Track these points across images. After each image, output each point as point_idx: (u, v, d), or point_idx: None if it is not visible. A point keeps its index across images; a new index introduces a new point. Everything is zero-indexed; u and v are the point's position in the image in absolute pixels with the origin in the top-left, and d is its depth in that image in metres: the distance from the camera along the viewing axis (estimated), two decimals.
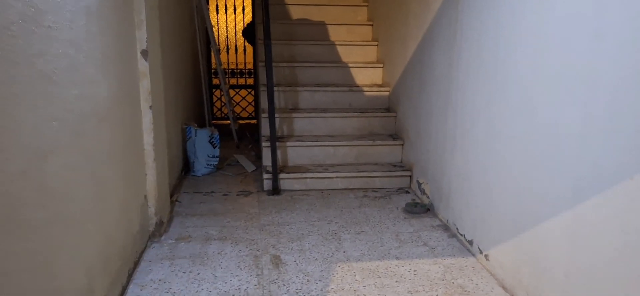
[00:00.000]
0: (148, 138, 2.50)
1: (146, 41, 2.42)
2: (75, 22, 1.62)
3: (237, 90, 6.02)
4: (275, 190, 3.32)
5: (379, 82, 4.25)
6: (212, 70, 5.71)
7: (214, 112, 5.90)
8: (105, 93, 1.88)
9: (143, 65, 2.43)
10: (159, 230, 2.61)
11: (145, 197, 2.51)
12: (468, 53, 2.48)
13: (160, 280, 2.17)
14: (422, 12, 3.16)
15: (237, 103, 5.99)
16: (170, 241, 2.57)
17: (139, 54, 2.42)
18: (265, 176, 3.37)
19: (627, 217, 1.43)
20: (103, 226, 1.85)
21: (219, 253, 2.43)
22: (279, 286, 2.11)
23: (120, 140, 2.10)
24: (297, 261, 2.35)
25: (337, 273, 2.23)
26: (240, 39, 6.04)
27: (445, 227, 2.77)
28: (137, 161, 2.40)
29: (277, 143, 3.54)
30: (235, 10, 5.93)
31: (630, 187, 1.41)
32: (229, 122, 4.89)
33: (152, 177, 2.54)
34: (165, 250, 2.46)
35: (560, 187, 1.74)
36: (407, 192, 3.38)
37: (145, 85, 2.45)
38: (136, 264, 2.30)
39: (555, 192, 1.78)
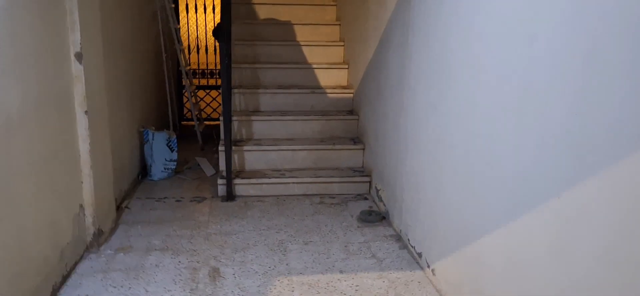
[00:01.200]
0: (84, 145, 2.39)
1: (80, 43, 2.30)
2: None
3: (207, 90, 5.89)
4: (229, 196, 3.22)
5: (344, 83, 4.16)
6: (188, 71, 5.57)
7: (184, 113, 5.77)
8: (18, 100, 1.77)
9: (77, 69, 2.31)
10: (98, 240, 2.49)
11: (81, 206, 2.40)
12: (418, 56, 2.39)
13: None
14: (379, 12, 3.07)
15: (208, 104, 5.87)
16: (109, 252, 2.46)
17: (72, 57, 2.30)
18: (220, 181, 3.27)
19: (556, 238, 1.35)
20: (11, 242, 1.73)
21: (156, 266, 2.32)
22: None
23: (42, 149, 1.98)
24: (236, 275, 2.25)
25: (275, 288, 2.13)
26: (211, 39, 5.91)
27: (398, 237, 2.68)
28: (70, 169, 2.28)
29: (234, 147, 3.44)
30: (205, 9, 5.79)
31: (557, 205, 1.33)
32: (198, 122, 4.77)
33: (89, 185, 2.43)
34: (101, 262, 2.35)
35: (496, 202, 1.67)
36: (366, 199, 3.30)
37: (79, 89, 2.33)
38: (66, 277, 2.19)
39: (491, 206, 1.70)
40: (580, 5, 1.25)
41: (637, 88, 1.06)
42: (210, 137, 5.00)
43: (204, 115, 5.71)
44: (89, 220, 2.45)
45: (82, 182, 2.40)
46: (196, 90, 5.48)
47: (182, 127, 5.39)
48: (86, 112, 2.35)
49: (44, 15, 2.01)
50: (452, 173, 2.01)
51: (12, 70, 1.74)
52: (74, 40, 2.29)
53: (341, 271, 2.29)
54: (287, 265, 2.35)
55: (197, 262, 2.36)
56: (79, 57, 2.30)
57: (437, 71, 2.16)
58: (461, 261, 1.94)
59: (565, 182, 1.30)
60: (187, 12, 5.64)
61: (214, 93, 5.92)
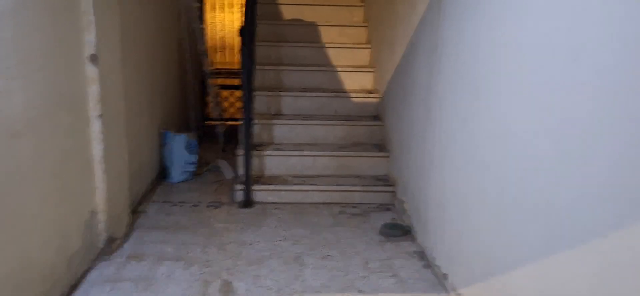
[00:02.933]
0: (97, 149, 2.32)
1: (95, 45, 2.23)
2: None
3: (232, 90, 5.83)
4: (247, 203, 3.12)
5: (369, 87, 4.01)
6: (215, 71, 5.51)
7: (208, 113, 5.73)
8: (25, 103, 1.70)
9: (91, 71, 2.25)
10: (110, 247, 2.43)
11: (93, 211, 2.34)
12: (447, 64, 2.22)
13: None
14: (407, 15, 2.90)
15: (232, 104, 5.81)
16: (120, 259, 2.39)
17: (87, 60, 2.23)
18: (238, 187, 3.17)
19: (599, 281, 1.17)
20: (16, 249, 1.66)
21: (167, 277, 2.23)
22: None
23: (51, 154, 1.92)
24: (249, 290, 2.14)
25: None
26: (237, 39, 5.86)
27: (422, 255, 2.52)
28: (82, 174, 2.22)
29: (254, 151, 3.34)
30: (233, 8, 5.74)
31: (604, 247, 1.15)
32: (221, 122, 4.71)
33: (102, 191, 2.36)
34: (111, 270, 2.28)
35: (531, 233, 1.49)
36: (389, 210, 3.14)
37: (93, 92, 2.26)
38: (74, 287, 2.12)
39: (526, 237, 1.52)
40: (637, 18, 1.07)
41: None
42: (233, 137, 4.92)
43: (227, 115, 5.66)
44: (101, 226, 2.38)
45: (95, 188, 2.34)
46: (220, 90, 5.43)
47: (206, 127, 5.34)
48: (100, 116, 2.29)
49: (56, 16, 1.94)
50: (482, 196, 1.83)
51: (19, 73, 1.67)
52: (89, 41, 2.22)
53: (360, 291, 2.15)
54: (302, 281, 2.22)
55: (209, 275, 2.26)
56: (93, 59, 2.24)
57: (467, 82, 1.99)
58: (490, 290, 1.76)
59: (613, 220, 1.12)
60: (215, 11, 5.59)
61: (238, 93, 5.86)
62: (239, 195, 3.16)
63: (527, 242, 1.51)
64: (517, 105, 1.59)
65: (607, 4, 1.17)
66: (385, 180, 3.34)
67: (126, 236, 2.64)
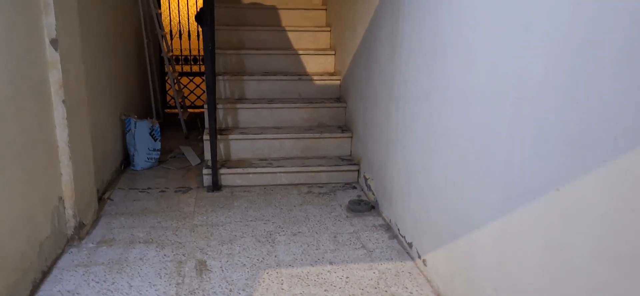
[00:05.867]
0: (62, 135, 2.29)
1: (56, 29, 2.19)
2: None
3: (191, 77, 5.76)
4: (215, 186, 3.15)
5: (331, 70, 4.10)
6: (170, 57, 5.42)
7: (168, 100, 5.64)
8: None
9: (52, 56, 2.20)
10: (79, 233, 2.40)
11: (61, 198, 2.31)
12: (409, 40, 2.34)
13: (68, 291, 1.98)
14: None
15: (192, 91, 5.74)
16: (90, 245, 2.38)
17: (47, 43, 2.19)
18: (205, 171, 3.19)
19: (552, 231, 1.32)
20: None
21: (140, 259, 2.25)
22: None
23: (16, 141, 1.88)
24: (224, 268, 2.19)
25: (263, 281, 2.08)
26: (194, 24, 5.77)
27: (388, 227, 2.65)
28: (47, 160, 2.18)
29: (219, 136, 3.36)
30: None
31: (555, 199, 1.30)
32: (182, 109, 4.66)
33: (69, 176, 2.33)
34: (83, 256, 2.27)
35: (490, 195, 1.63)
36: (354, 188, 3.26)
37: (56, 77, 2.22)
38: (46, 273, 2.10)
39: (485, 199, 1.67)
40: None
41: (638, 80, 1.02)
42: (195, 125, 4.90)
43: (187, 103, 5.59)
44: (69, 212, 2.36)
45: (61, 174, 2.31)
46: (179, 77, 5.36)
47: (166, 115, 5.27)
48: (64, 101, 2.25)
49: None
50: (445, 164, 1.97)
51: None
52: (48, 24, 2.18)
53: (331, 263, 2.25)
54: (275, 257, 2.30)
55: (183, 255, 2.29)
56: (54, 43, 2.19)
57: (429, 58, 2.11)
58: (453, 252, 1.91)
59: (563, 175, 1.27)
60: None
61: (197, 80, 5.80)
62: (207, 180, 3.19)
63: (488, 201, 1.65)
64: (474, 74, 1.72)
65: None
66: (350, 160, 3.46)
67: (94, 223, 2.62)
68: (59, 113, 2.25)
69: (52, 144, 2.23)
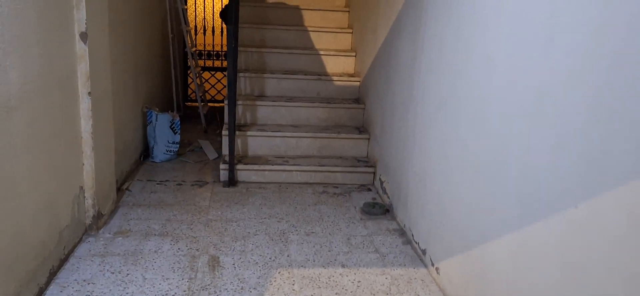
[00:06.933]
0: (86, 126, 2.34)
1: (86, 22, 2.24)
2: None
3: (212, 72, 5.82)
4: (231, 182, 3.18)
5: (351, 71, 4.09)
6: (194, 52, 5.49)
7: (189, 94, 5.71)
8: (17, 80, 1.71)
9: (81, 48, 2.26)
10: (97, 223, 2.46)
11: (82, 187, 2.36)
12: (430, 46, 2.32)
13: (84, 281, 2.03)
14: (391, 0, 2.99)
15: (212, 86, 5.81)
16: (108, 235, 2.43)
17: (77, 36, 2.24)
18: (222, 166, 3.22)
19: (569, 248, 1.30)
20: (8, 225, 1.69)
21: (155, 252, 2.29)
22: (209, 294, 1.98)
23: (43, 130, 1.94)
24: (236, 265, 2.22)
25: (275, 281, 2.10)
26: (218, 20, 5.83)
27: (402, 232, 2.64)
28: (71, 150, 2.24)
29: (238, 131, 3.39)
30: None
31: (574, 216, 1.28)
32: (203, 103, 4.72)
33: (90, 167, 2.39)
34: (100, 246, 2.32)
35: (507, 206, 1.61)
36: (369, 190, 3.25)
37: (83, 69, 2.28)
38: (64, 261, 2.16)
39: (502, 209, 1.65)
40: (604, 7, 1.17)
41: None
42: (214, 119, 4.96)
43: (208, 97, 5.66)
44: (88, 202, 2.41)
45: (83, 164, 2.36)
46: (201, 72, 5.42)
47: (186, 108, 5.34)
48: (89, 93, 2.30)
49: None
50: (461, 172, 1.95)
51: (15, 50, 1.68)
52: (79, 18, 2.23)
53: (343, 266, 2.26)
54: (288, 256, 2.31)
55: (197, 250, 2.33)
56: (83, 36, 2.24)
57: (449, 64, 2.09)
58: (467, 262, 1.89)
59: (582, 190, 1.24)
60: None
61: (219, 75, 5.86)
62: (224, 175, 3.22)
63: (503, 215, 1.63)
64: (494, 85, 1.70)
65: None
66: (366, 161, 3.45)
67: (112, 213, 2.67)
68: (84, 105, 2.31)
69: (76, 134, 2.28)
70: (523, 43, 1.53)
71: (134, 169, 3.40)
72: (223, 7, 5.44)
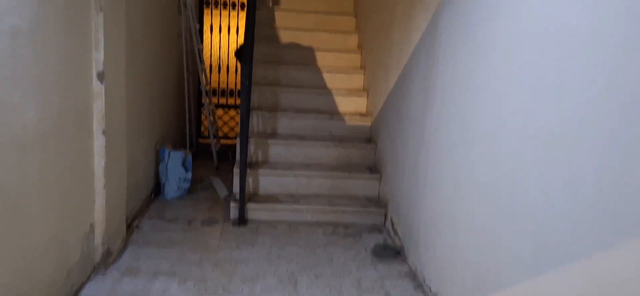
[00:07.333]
0: (99, 163, 2.37)
1: (103, 62, 2.30)
2: None
3: (226, 109, 5.90)
4: (241, 220, 3.17)
5: (363, 110, 4.11)
6: (208, 90, 5.58)
7: (202, 130, 5.78)
8: (34, 119, 1.75)
9: (98, 87, 2.31)
10: (106, 261, 2.45)
11: (92, 225, 2.37)
12: (442, 90, 2.33)
13: None
14: (403, 43, 3.02)
15: (225, 123, 5.87)
16: (116, 273, 2.42)
17: (94, 75, 2.30)
18: (233, 204, 3.22)
19: None
20: (18, 263, 1.70)
21: (163, 292, 2.27)
22: None
23: (56, 167, 1.96)
24: None
25: None
26: (232, 59, 5.95)
27: (413, 276, 2.58)
28: (83, 187, 2.26)
29: (249, 170, 3.40)
30: (229, 31, 5.84)
31: (589, 267, 1.24)
32: (215, 140, 4.76)
33: (101, 204, 2.40)
34: (108, 285, 2.30)
35: (521, 252, 1.57)
36: (380, 231, 3.21)
37: (99, 107, 2.32)
38: None
39: (516, 256, 1.60)
40: (619, 55, 1.17)
41: None
42: (226, 156, 4.98)
43: (221, 133, 5.71)
44: (98, 239, 2.42)
45: (94, 201, 2.38)
46: (215, 109, 5.49)
47: (199, 144, 5.38)
48: (104, 131, 2.34)
49: (69, 33, 2.01)
50: (473, 215, 1.92)
51: (34, 90, 1.73)
52: (97, 58, 2.29)
53: None
54: None
55: (205, 290, 2.30)
56: (100, 76, 2.30)
57: (461, 108, 2.09)
58: None
59: (597, 242, 1.20)
60: (211, 32, 5.69)
61: (232, 112, 5.94)
62: (234, 213, 3.21)
63: (516, 262, 1.59)
64: (507, 129, 1.69)
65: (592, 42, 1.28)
66: (377, 202, 3.42)
67: (121, 251, 2.67)
68: (98, 142, 2.34)
69: (89, 171, 2.31)
70: (534, 89, 1.53)
71: (145, 206, 3.41)
72: (238, 47, 5.58)
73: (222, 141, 5.57)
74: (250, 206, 3.24)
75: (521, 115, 1.60)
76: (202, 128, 5.79)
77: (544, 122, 1.46)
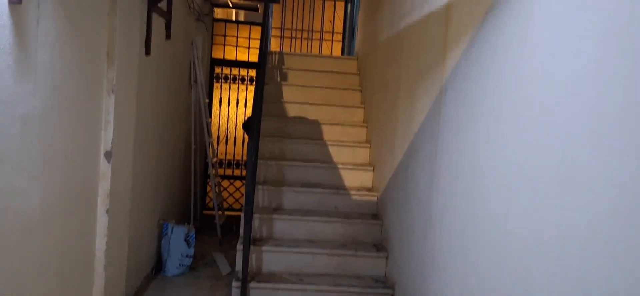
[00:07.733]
0: (100, 244, 2.34)
1: (111, 142, 2.33)
2: (6, 132, 1.52)
3: (231, 180, 5.91)
4: None
5: (369, 185, 4.09)
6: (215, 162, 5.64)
7: (206, 202, 5.77)
8: (38, 204, 1.75)
9: (105, 167, 2.33)
10: None
11: None
12: (446, 172, 2.31)
13: None
14: (408, 122, 3.05)
15: (231, 194, 5.86)
16: None
17: (101, 155, 2.32)
18: (234, 284, 3.12)
19: None
20: None
21: None
22: None
23: (57, 250, 1.94)
24: None
25: None
26: (240, 131, 6.04)
27: None
28: (83, 269, 2.22)
29: (253, 246, 3.34)
30: (237, 103, 5.98)
31: None
32: (220, 213, 4.73)
33: (100, 286, 2.35)
34: None
35: None
36: None
37: (104, 187, 2.33)
38: None
39: None
40: (616, 140, 1.16)
41: None
42: (230, 228, 4.92)
43: (226, 205, 5.69)
44: None
45: (93, 282, 2.32)
46: (221, 181, 5.50)
47: (203, 217, 5.34)
48: (107, 211, 2.33)
49: (80, 116, 2.05)
50: None
51: (40, 173, 1.73)
52: (106, 138, 2.32)
53: None
54: None
55: None
56: (108, 155, 2.32)
57: (467, 186, 2.06)
58: None
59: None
60: (220, 105, 5.82)
61: (238, 183, 5.94)
62: (235, 293, 3.11)
63: None
64: (515, 213, 1.65)
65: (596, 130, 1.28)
66: (384, 282, 3.31)
67: None
68: (101, 222, 2.32)
69: (90, 252, 2.27)
70: (541, 177, 1.51)
71: (145, 284, 3.32)
72: (245, 119, 5.68)
73: (227, 213, 5.54)
74: (253, 285, 3.15)
75: (528, 198, 1.57)
76: (207, 200, 5.78)
77: (552, 213, 1.43)
